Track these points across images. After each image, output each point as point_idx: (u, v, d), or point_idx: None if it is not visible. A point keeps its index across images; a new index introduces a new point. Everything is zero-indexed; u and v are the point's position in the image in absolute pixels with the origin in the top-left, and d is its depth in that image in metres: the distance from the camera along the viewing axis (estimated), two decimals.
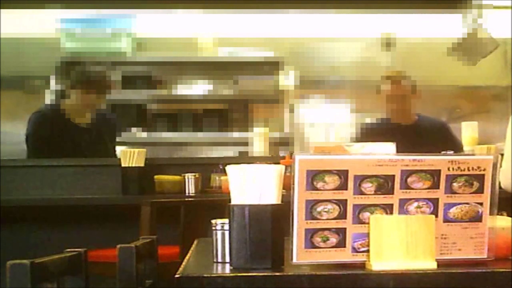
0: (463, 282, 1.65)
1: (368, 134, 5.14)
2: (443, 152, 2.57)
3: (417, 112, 5.24)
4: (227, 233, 1.81)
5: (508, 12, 6.13)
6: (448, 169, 1.73)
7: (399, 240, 1.69)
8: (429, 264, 1.69)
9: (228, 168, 1.75)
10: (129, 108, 6.33)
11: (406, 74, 5.30)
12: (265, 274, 1.64)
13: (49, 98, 6.05)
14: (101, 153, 5.10)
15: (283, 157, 4.61)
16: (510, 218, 1.87)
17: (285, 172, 1.77)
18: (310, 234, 1.67)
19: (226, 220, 1.79)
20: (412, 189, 1.72)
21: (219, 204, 3.47)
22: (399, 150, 2.01)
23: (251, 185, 1.72)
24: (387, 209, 1.71)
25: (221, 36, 6.35)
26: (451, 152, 3.48)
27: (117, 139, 5.63)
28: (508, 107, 5.85)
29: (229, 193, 1.75)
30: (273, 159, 4.45)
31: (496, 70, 6.38)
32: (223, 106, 6.43)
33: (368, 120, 5.63)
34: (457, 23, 6.19)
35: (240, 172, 1.73)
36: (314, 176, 1.66)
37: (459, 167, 1.73)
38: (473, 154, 2.86)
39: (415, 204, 1.72)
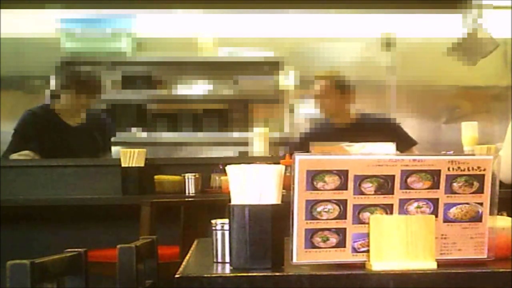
0: (463, 282, 1.65)
1: (307, 139, 5.12)
2: (442, 152, 2.56)
3: (363, 111, 5.26)
4: (227, 233, 1.81)
5: (508, 12, 6.14)
6: (448, 169, 1.73)
7: (399, 240, 1.69)
8: (429, 264, 1.69)
9: (228, 168, 1.75)
10: (129, 108, 6.33)
11: (339, 73, 5.29)
12: (265, 274, 1.63)
13: (45, 98, 6.06)
14: (92, 153, 5.11)
15: (283, 157, 4.61)
16: (510, 218, 1.87)
17: (285, 172, 1.77)
18: (310, 234, 1.67)
19: (226, 220, 1.79)
20: (412, 189, 1.72)
21: (219, 204, 3.46)
22: None
23: (251, 185, 1.72)
24: (387, 209, 1.71)
25: (221, 36, 6.35)
26: (451, 152, 3.48)
27: (117, 139, 5.63)
28: (508, 107, 5.86)
29: (229, 193, 1.75)
30: (273, 159, 4.45)
31: (496, 70, 6.38)
32: (223, 106, 6.43)
33: (306, 127, 5.65)
34: (457, 23, 6.19)
35: (240, 172, 1.73)
36: (314, 176, 1.66)
37: (459, 167, 1.73)
38: (473, 154, 2.86)
39: (415, 204, 1.72)
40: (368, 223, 1.70)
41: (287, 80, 6.33)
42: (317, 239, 1.68)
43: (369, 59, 6.35)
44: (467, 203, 1.75)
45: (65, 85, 5.10)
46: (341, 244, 1.69)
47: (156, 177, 4.67)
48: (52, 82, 5.94)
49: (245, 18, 6.39)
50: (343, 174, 1.68)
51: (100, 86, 5.42)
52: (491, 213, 1.77)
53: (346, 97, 5.16)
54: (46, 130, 5.05)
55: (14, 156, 4.86)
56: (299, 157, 1.67)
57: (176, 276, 1.62)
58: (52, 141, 5.03)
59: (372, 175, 1.69)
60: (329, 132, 5.09)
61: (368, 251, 1.69)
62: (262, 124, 6.03)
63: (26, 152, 4.88)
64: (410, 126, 5.66)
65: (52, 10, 6.23)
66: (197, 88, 6.37)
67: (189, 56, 6.33)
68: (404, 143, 4.97)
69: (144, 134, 6.27)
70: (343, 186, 1.68)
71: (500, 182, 1.81)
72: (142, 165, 4.64)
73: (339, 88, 5.15)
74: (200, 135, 6.32)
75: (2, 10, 6.10)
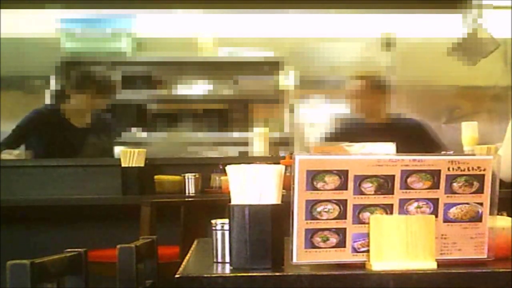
0: (463, 282, 1.65)
1: (338, 136, 5.13)
2: (442, 152, 2.57)
3: (396, 111, 5.25)
4: (227, 233, 1.81)
5: (508, 12, 6.14)
6: (448, 169, 1.73)
7: (399, 240, 1.69)
8: (429, 264, 1.69)
9: (228, 168, 1.75)
10: (129, 108, 6.33)
11: (378, 74, 5.29)
12: (265, 274, 1.63)
13: (49, 98, 6.06)
14: (98, 154, 5.11)
15: (283, 157, 4.61)
16: (510, 218, 1.87)
17: (285, 172, 1.77)
18: (310, 234, 1.67)
19: (226, 220, 1.79)
20: (412, 189, 1.72)
21: (219, 204, 3.46)
22: None
23: (251, 185, 1.72)
24: (387, 209, 1.71)
25: (221, 36, 6.35)
26: (451, 152, 3.48)
27: (117, 139, 5.63)
28: (508, 107, 5.86)
29: (229, 193, 1.75)
30: (273, 159, 4.45)
31: (496, 70, 6.38)
32: (223, 106, 6.43)
33: (338, 123, 5.63)
34: (457, 23, 6.19)
35: (240, 172, 1.73)
36: (314, 176, 1.66)
37: (459, 167, 1.73)
38: (473, 154, 2.86)
39: (415, 204, 1.72)
40: (368, 223, 1.70)
41: (287, 80, 6.33)
42: (317, 239, 1.68)
43: (369, 59, 6.35)
44: (467, 203, 1.75)
45: (77, 87, 5.10)
46: (341, 244, 1.69)
47: (156, 177, 4.67)
48: (52, 82, 5.95)
49: (245, 18, 6.38)
50: (343, 174, 1.68)
51: (112, 85, 5.43)
52: (491, 213, 1.77)
53: (383, 97, 5.16)
54: (51, 131, 5.05)
55: (5, 154, 4.86)
56: (299, 157, 1.67)
57: (176, 276, 1.62)
58: (57, 142, 5.03)
59: (372, 175, 1.69)
60: (359, 131, 5.06)
61: (368, 251, 1.69)
62: (262, 124, 6.02)
63: (17, 152, 4.89)
64: None
65: (52, 10, 6.23)
66: (197, 88, 6.37)
67: (189, 56, 6.33)
68: (434, 147, 4.97)
69: (144, 134, 6.27)
70: (343, 186, 1.68)
71: (500, 181, 1.81)
72: (142, 165, 4.64)
73: (378, 88, 5.15)
74: (200, 135, 6.32)
75: (2, 10, 6.10)
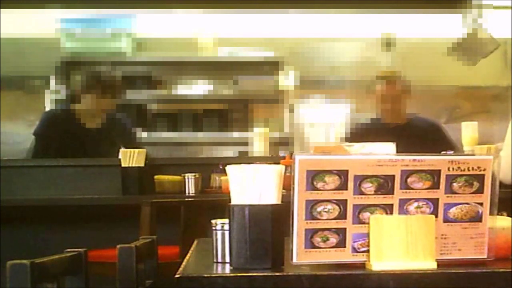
0: (463, 282, 1.65)
1: (359, 134, 5.14)
2: (442, 152, 2.56)
3: (411, 112, 5.24)
4: (227, 233, 1.81)
5: (508, 12, 6.14)
6: (448, 169, 1.73)
7: (399, 240, 1.69)
8: (429, 264, 1.69)
9: (228, 168, 1.75)
10: (129, 108, 6.32)
11: (401, 73, 5.30)
12: (265, 274, 1.63)
13: (49, 98, 6.06)
14: (111, 155, 5.09)
15: (283, 157, 4.61)
16: (510, 218, 1.87)
17: (285, 172, 1.77)
18: (310, 234, 1.67)
19: (226, 220, 1.79)
20: (412, 189, 1.72)
21: (219, 204, 3.46)
22: None
23: (251, 185, 1.72)
24: (387, 209, 1.71)
25: (221, 36, 6.35)
26: (451, 152, 3.48)
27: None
28: (508, 107, 5.86)
29: (229, 193, 1.75)
30: (273, 159, 4.45)
31: (496, 70, 6.38)
32: (223, 106, 6.43)
33: (360, 121, 5.61)
34: (457, 23, 6.19)
35: (240, 172, 1.73)
36: (314, 176, 1.66)
37: (459, 167, 1.73)
38: (473, 154, 2.86)
39: (415, 204, 1.72)
40: (368, 223, 1.70)
41: (287, 80, 6.33)
42: (317, 239, 1.68)
43: (369, 59, 6.35)
44: (467, 203, 1.75)
45: (88, 89, 5.09)
46: (341, 244, 1.69)
47: (156, 177, 4.67)
48: (52, 82, 5.94)
49: (245, 18, 6.38)
50: (343, 174, 1.68)
51: (120, 86, 5.43)
52: (491, 213, 1.77)
53: (403, 97, 5.14)
54: (68, 132, 5.03)
55: None
56: (299, 157, 1.67)
57: (176, 276, 1.62)
58: (73, 143, 5.01)
59: (372, 175, 1.69)
60: (378, 131, 5.07)
61: (368, 251, 1.69)
62: (262, 124, 6.03)
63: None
64: None
65: (52, 10, 6.23)
66: (197, 88, 6.37)
67: (189, 56, 6.33)
68: (446, 145, 4.96)
69: (144, 134, 6.27)
70: (343, 186, 1.68)
71: (500, 182, 1.81)
72: (142, 165, 4.64)
73: (401, 88, 5.13)
74: (200, 135, 6.32)
75: (2, 10, 6.10)
